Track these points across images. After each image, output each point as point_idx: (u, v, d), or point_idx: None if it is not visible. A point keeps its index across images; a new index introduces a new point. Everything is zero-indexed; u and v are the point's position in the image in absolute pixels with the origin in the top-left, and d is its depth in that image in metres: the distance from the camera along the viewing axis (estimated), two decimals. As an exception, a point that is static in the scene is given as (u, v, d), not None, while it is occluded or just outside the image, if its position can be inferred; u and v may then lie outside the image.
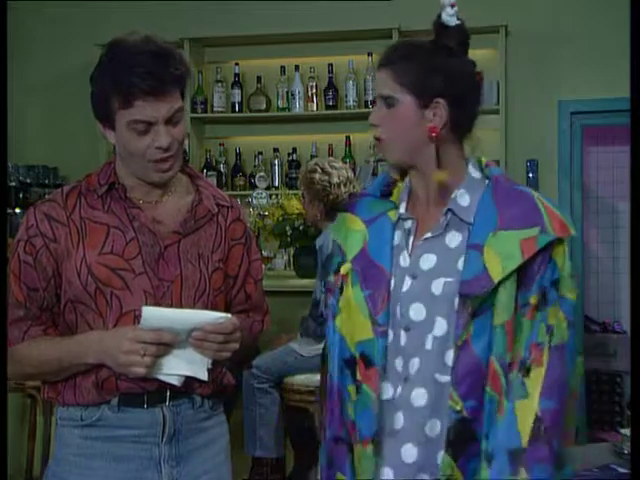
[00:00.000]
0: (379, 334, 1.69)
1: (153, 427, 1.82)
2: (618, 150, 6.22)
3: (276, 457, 4.03)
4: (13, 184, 5.25)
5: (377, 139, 1.74)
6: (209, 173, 5.63)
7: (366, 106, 5.51)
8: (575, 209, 5.36)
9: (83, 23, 5.68)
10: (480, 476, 1.62)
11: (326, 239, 3.96)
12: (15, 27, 5.27)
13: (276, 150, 5.69)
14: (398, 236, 1.74)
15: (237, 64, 5.72)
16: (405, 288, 1.70)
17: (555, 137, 5.43)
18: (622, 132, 5.60)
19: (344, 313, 1.74)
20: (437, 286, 1.67)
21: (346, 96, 5.54)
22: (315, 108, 5.62)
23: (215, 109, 5.75)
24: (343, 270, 1.75)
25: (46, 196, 1.95)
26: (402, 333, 1.69)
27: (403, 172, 1.80)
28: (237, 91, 5.71)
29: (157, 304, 1.78)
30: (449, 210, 1.70)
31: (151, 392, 1.80)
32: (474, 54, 1.75)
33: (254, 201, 5.13)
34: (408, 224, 1.74)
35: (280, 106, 5.65)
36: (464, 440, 1.63)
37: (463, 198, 1.71)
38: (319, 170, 3.96)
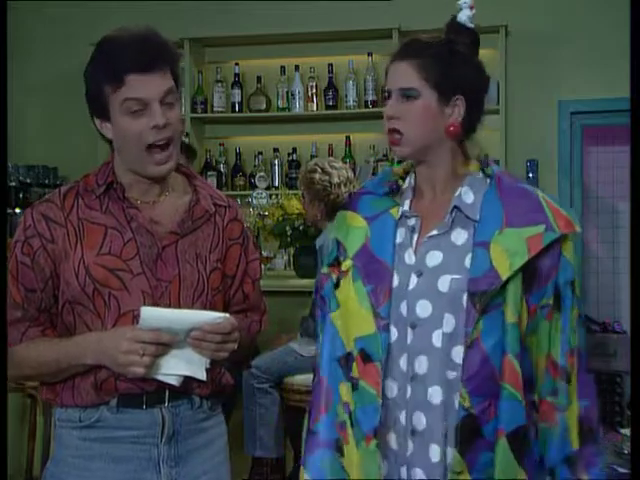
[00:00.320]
0: (381, 327, 1.69)
1: (152, 428, 1.81)
2: (618, 150, 6.21)
3: (276, 457, 4.03)
4: (13, 184, 5.25)
5: (392, 131, 1.74)
6: (209, 173, 5.64)
7: (366, 106, 5.52)
8: (575, 209, 5.36)
9: (83, 23, 5.68)
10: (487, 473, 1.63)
11: (326, 239, 3.96)
12: (15, 27, 5.27)
13: (276, 150, 5.69)
14: (401, 234, 1.75)
15: (237, 64, 5.72)
16: (411, 286, 1.70)
17: (555, 137, 5.43)
18: (622, 132, 5.60)
19: (342, 309, 1.74)
20: (443, 283, 1.68)
21: (346, 96, 5.54)
22: (315, 108, 5.62)
23: (215, 109, 5.75)
24: (344, 266, 1.76)
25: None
26: (408, 330, 1.70)
27: (406, 169, 1.81)
28: (237, 91, 5.71)
29: (155, 304, 1.78)
30: (455, 207, 1.71)
31: (150, 393, 1.80)
32: (474, 54, 1.76)
33: (254, 201, 5.13)
34: (412, 222, 1.75)
35: (280, 106, 5.65)
36: (471, 436, 1.64)
37: (467, 196, 1.72)
38: (319, 170, 3.97)
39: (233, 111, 5.74)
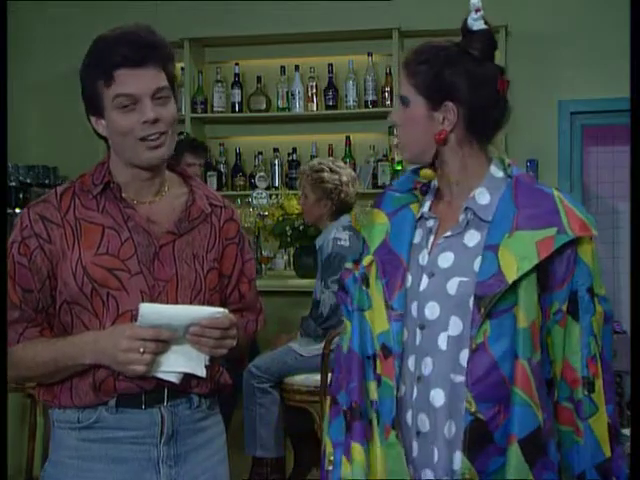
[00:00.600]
0: (394, 319, 1.70)
1: (151, 428, 1.81)
2: (618, 150, 6.21)
3: (276, 457, 4.03)
4: (13, 184, 5.24)
5: (395, 136, 1.80)
6: (209, 173, 5.64)
7: (366, 106, 5.52)
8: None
9: (83, 23, 5.66)
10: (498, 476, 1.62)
11: (326, 239, 3.96)
12: (15, 27, 5.26)
13: (276, 150, 5.69)
14: (419, 234, 1.76)
15: (237, 64, 5.72)
16: (422, 287, 1.71)
17: (555, 137, 5.43)
18: (622, 132, 5.60)
19: (372, 308, 1.76)
20: (452, 286, 1.68)
21: (346, 96, 5.54)
22: (315, 108, 5.62)
23: (215, 109, 5.75)
24: (365, 261, 1.77)
25: (45, 196, 1.94)
26: (417, 331, 1.70)
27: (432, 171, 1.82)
28: (237, 91, 5.71)
29: (153, 304, 1.78)
30: (468, 208, 1.71)
31: (149, 392, 1.80)
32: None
33: (254, 201, 5.13)
34: (430, 223, 1.76)
35: (280, 106, 5.65)
36: (480, 442, 1.62)
37: (483, 196, 1.71)
38: (327, 169, 3.97)
39: (233, 111, 5.74)
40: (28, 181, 5.41)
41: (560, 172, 5.41)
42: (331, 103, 5.58)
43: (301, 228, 4.62)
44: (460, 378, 1.65)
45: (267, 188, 5.47)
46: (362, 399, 1.74)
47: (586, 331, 1.65)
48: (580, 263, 1.65)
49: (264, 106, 5.69)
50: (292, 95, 5.62)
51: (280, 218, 4.81)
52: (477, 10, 1.71)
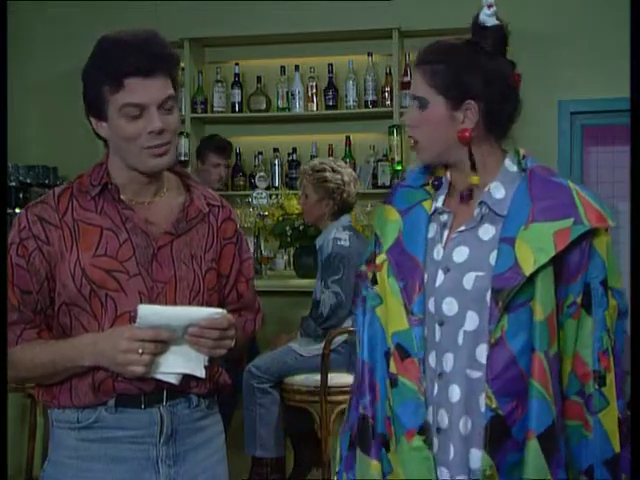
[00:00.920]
0: (414, 324, 1.69)
1: (150, 427, 1.81)
2: (618, 150, 6.21)
3: (276, 457, 4.03)
4: (13, 184, 5.24)
5: (410, 137, 1.76)
6: (209, 173, 5.63)
7: (366, 106, 5.52)
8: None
9: (83, 23, 5.67)
10: (516, 472, 1.61)
11: (326, 239, 3.96)
12: (15, 27, 5.26)
13: (276, 150, 5.70)
14: (433, 229, 1.75)
15: (237, 64, 5.72)
16: (438, 282, 1.70)
17: (555, 137, 5.42)
18: (622, 132, 5.59)
19: (383, 304, 1.74)
20: (468, 280, 1.67)
21: (346, 96, 5.54)
22: (315, 108, 5.62)
23: (215, 109, 5.75)
24: (378, 260, 1.76)
25: (44, 197, 1.94)
26: (437, 328, 1.70)
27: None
28: (237, 91, 5.71)
29: (152, 305, 1.78)
30: (483, 202, 1.70)
31: (148, 393, 1.80)
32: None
33: (254, 201, 5.13)
34: (444, 217, 1.75)
35: (280, 106, 5.66)
36: (499, 437, 1.62)
37: (498, 191, 1.70)
38: (329, 169, 3.98)
39: (233, 111, 5.74)
40: (28, 181, 5.41)
41: (560, 172, 5.29)
42: (331, 103, 5.58)
43: (301, 228, 4.62)
44: (476, 374, 1.64)
45: (267, 188, 5.47)
46: (375, 412, 1.73)
47: (599, 325, 1.64)
48: (594, 255, 1.64)
49: (264, 106, 5.69)
50: (292, 95, 5.62)
51: (280, 218, 4.81)
52: (490, 6, 1.71)
